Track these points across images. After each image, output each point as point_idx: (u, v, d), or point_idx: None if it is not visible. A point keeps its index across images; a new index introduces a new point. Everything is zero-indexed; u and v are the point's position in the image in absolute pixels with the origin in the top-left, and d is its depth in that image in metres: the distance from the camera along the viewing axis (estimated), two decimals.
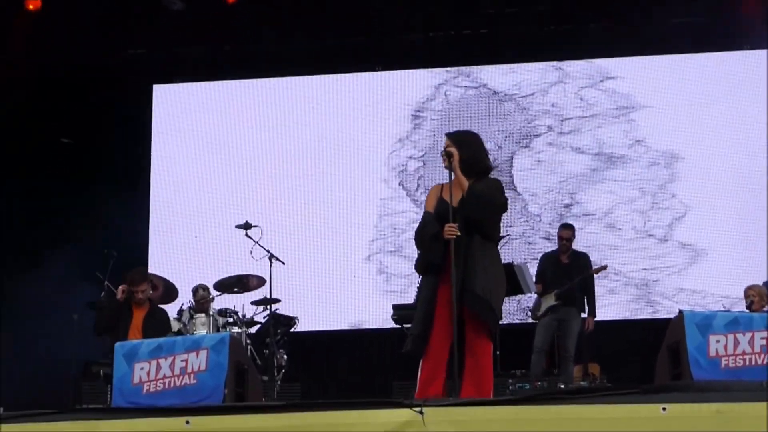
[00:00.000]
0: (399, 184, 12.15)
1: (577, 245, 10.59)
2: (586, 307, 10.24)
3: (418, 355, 6.04)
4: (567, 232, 10.48)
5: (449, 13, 11.98)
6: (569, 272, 10.21)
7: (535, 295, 10.44)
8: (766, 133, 11.46)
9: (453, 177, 6.12)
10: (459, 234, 5.98)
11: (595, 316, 10.24)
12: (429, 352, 6.02)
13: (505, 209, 6.25)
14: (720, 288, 11.22)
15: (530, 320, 10.66)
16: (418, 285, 6.46)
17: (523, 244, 11.88)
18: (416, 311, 6.20)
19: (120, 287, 9.16)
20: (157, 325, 9.02)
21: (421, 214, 6.35)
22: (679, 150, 11.85)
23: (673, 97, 11.93)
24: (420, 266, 6.23)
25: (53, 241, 11.74)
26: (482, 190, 6.10)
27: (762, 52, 11.68)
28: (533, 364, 10.04)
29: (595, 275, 10.34)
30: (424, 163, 12.11)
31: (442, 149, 6.23)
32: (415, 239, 6.25)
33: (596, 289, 10.40)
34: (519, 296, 10.88)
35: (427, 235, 6.09)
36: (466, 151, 6.21)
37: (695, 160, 11.79)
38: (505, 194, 6.29)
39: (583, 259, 10.42)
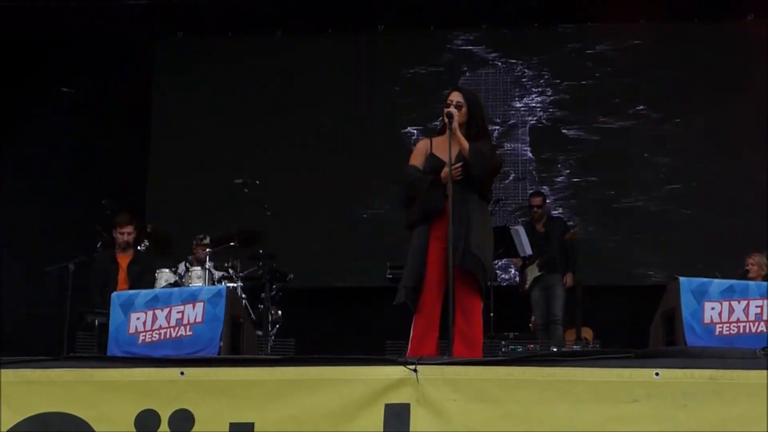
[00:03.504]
0: (398, 141, 12.08)
1: (571, 214, 10.57)
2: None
3: (411, 308, 6.01)
4: (537, 199, 10.48)
5: None
6: (547, 239, 10.21)
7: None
8: None
9: (451, 135, 6.04)
10: (461, 176, 5.98)
11: (574, 273, 10.24)
12: (422, 308, 6.00)
13: (500, 169, 6.31)
14: (717, 256, 11.23)
15: None
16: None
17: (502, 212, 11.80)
18: (408, 262, 6.10)
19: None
20: (140, 271, 9.04)
21: None
22: (674, 117, 11.84)
23: (669, 66, 11.91)
24: (416, 216, 6.13)
25: (50, 191, 11.72)
26: (482, 149, 6.08)
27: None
28: (551, 335, 10.03)
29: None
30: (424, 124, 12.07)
31: (448, 104, 6.17)
32: (404, 191, 6.23)
33: (589, 254, 10.39)
34: (513, 260, 10.97)
35: (425, 183, 6.06)
36: (475, 110, 6.19)
37: (691, 127, 11.77)
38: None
39: (558, 223, 10.44)
